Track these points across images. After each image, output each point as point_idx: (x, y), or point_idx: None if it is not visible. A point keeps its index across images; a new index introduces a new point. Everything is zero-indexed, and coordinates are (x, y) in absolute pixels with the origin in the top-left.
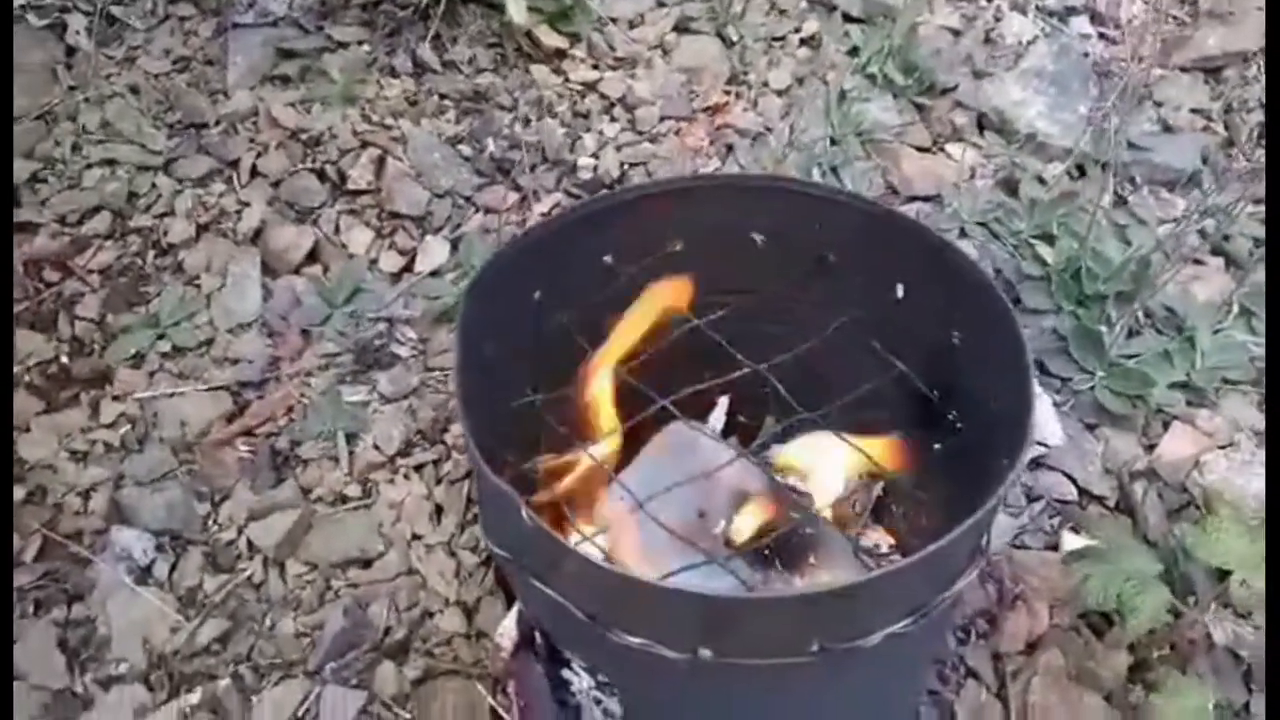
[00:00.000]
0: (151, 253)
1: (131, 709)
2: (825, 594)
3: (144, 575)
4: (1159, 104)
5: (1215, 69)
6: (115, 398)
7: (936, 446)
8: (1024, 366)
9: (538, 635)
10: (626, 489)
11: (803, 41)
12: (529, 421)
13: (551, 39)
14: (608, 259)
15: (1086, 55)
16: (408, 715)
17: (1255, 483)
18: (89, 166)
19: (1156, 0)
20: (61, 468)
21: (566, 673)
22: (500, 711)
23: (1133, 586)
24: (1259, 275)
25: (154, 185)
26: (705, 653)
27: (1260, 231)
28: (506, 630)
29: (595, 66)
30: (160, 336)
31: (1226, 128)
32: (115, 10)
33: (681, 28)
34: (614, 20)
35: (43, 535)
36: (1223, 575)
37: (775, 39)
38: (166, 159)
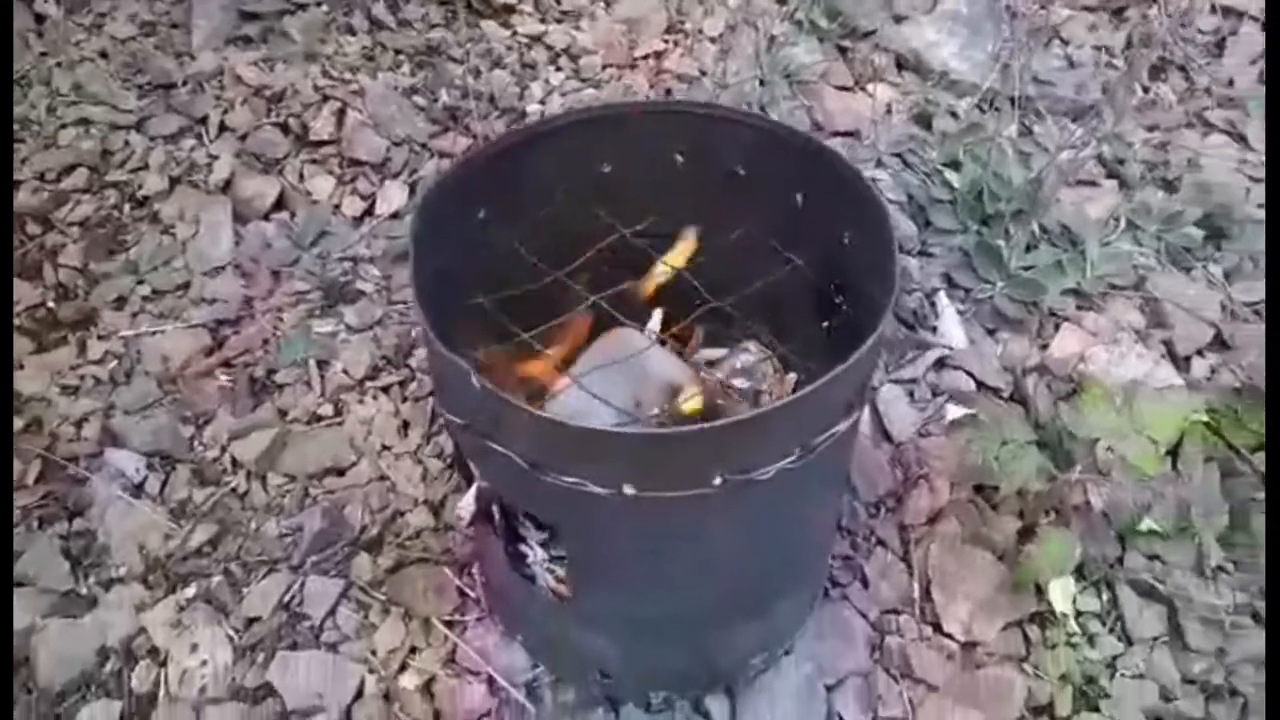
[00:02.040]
0: (128, 205)
1: (132, 605)
2: (720, 427)
3: (137, 491)
4: (1065, 41)
5: (1119, 8)
6: (101, 337)
7: (825, 324)
8: (891, 251)
9: (494, 509)
10: (564, 370)
11: None
12: (480, 324)
13: None
14: (543, 179)
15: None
16: (383, 597)
17: (1129, 372)
18: (64, 126)
19: None
20: (55, 400)
21: (522, 547)
22: (465, 590)
23: (1009, 451)
24: (1145, 194)
25: (127, 143)
26: (628, 489)
27: (1152, 156)
28: (466, 504)
29: (542, 20)
30: (140, 281)
31: (1127, 62)
32: None
33: None
34: None
35: (41, 460)
36: (1094, 445)
37: None
38: (138, 118)
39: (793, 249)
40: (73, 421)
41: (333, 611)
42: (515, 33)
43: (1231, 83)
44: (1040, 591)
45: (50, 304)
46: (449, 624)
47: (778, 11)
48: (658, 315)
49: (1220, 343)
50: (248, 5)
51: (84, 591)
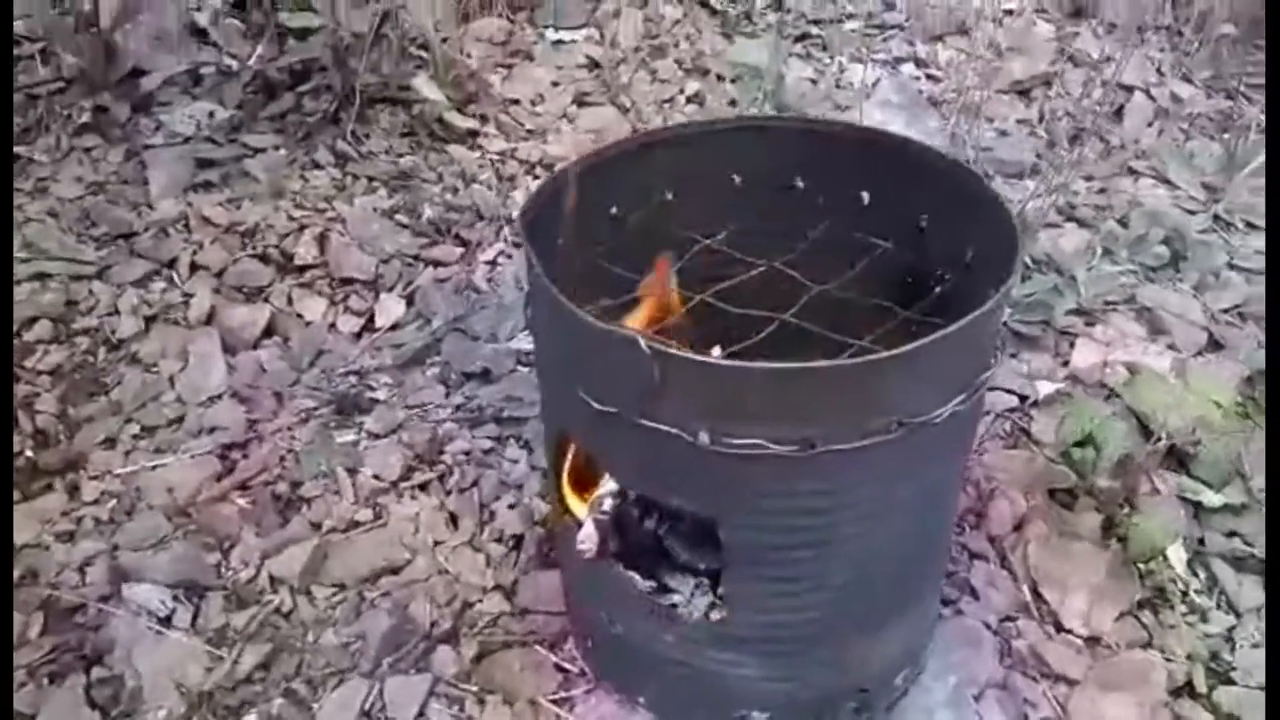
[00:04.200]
0: (103, 349)
1: None
2: (904, 354)
3: (165, 625)
4: (990, 119)
5: (1025, 90)
6: (93, 478)
7: (936, 290)
8: (1000, 203)
9: (618, 534)
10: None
11: (689, 99)
12: None
13: (462, 122)
14: (614, 210)
15: (921, 91)
16: (475, 688)
17: (1158, 365)
18: (19, 283)
19: (964, 49)
20: (51, 547)
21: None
22: (563, 665)
23: (1098, 423)
24: (1109, 225)
25: (91, 292)
26: (810, 444)
27: (1097, 200)
28: (586, 537)
29: (507, 139)
30: (127, 421)
31: (1047, 131)
32: (19, 149)
33: (579, 101)
34: (516, 101)
35: (43, 611)
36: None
37: (664, 101)
38: (99, 268)
39: (866, 246)
40: (74, 567)
41: (423, 711)
42: (484, 152)
43: (1138, 141)
44: (1143, 576)
45: (29, 453)
46: (556, 701)
47: (731, 112)
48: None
49: (1215, 344)
50: (202, 153)
51: None
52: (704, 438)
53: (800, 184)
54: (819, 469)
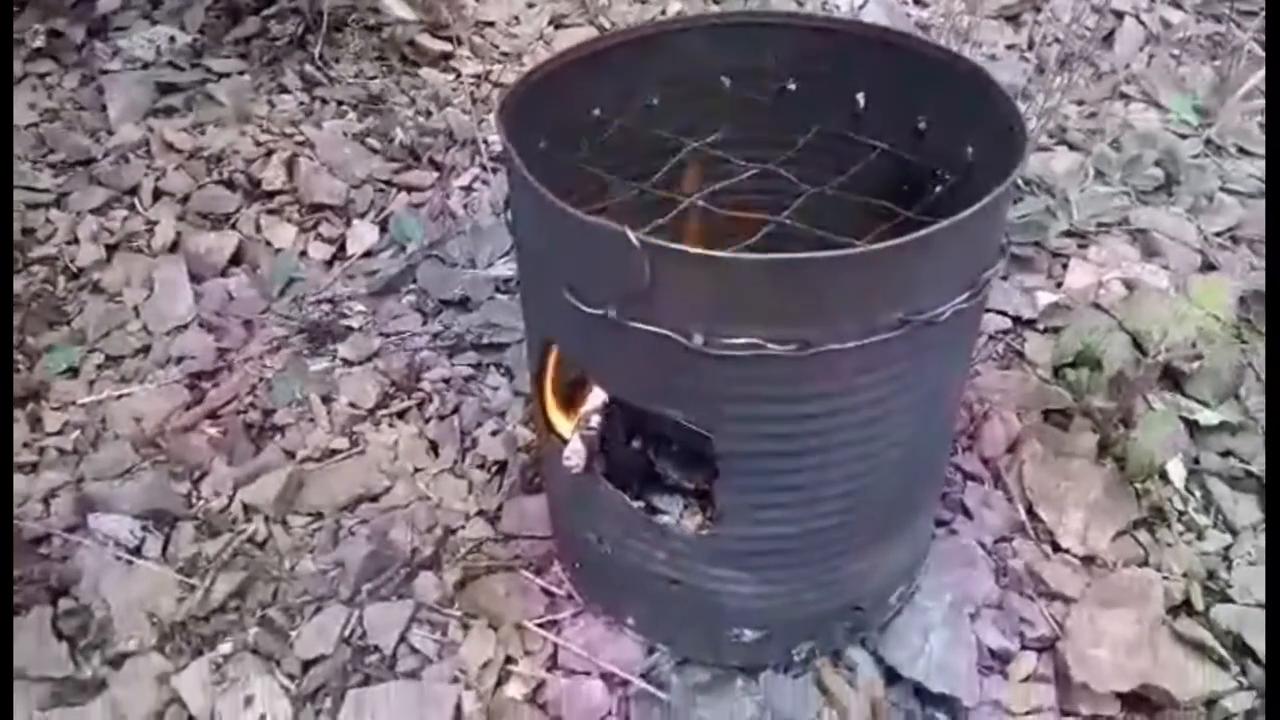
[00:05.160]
0: (62, 278)
1: (152, 677)
2: (906, 244)
3: (134, 555)
4: (979, 44)
5: (1014, 15)
6: (55, 408)
7: (939, 188)
8: (1004, 93)
9: (605, 450)
10: None
11: None
12: None
13: (434, 44)
14: (596, 112)
15: (908, 15)
16: (459, 613)
17: (1156, 282)
18: None
19: None
20: (12, 479)
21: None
22: (550, 589)
23: (1097, 338)
24: (1100, 148)
25: (48, 220)
26: (809, 343)
27: (1088, 124)
28: (574, 452)
29: (482, 62)
30: (91, 350)
31: (1036, 56)
32: None
33: (557, 23)
34: (490, 23)
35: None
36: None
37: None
38: (57, 194)
39: (862, 148)
40: (38, 498)
41: (404, 637)
42: (459, 75)
43: (1129, 66)
44: (1140, 496)
45: None
46: (542, 625)
47: None
48: None
49: (1208, 265)
50: (163, 78)
51: (87, 675)
52: (698, 339)
53: (792, 86)
54: (819, 370)
